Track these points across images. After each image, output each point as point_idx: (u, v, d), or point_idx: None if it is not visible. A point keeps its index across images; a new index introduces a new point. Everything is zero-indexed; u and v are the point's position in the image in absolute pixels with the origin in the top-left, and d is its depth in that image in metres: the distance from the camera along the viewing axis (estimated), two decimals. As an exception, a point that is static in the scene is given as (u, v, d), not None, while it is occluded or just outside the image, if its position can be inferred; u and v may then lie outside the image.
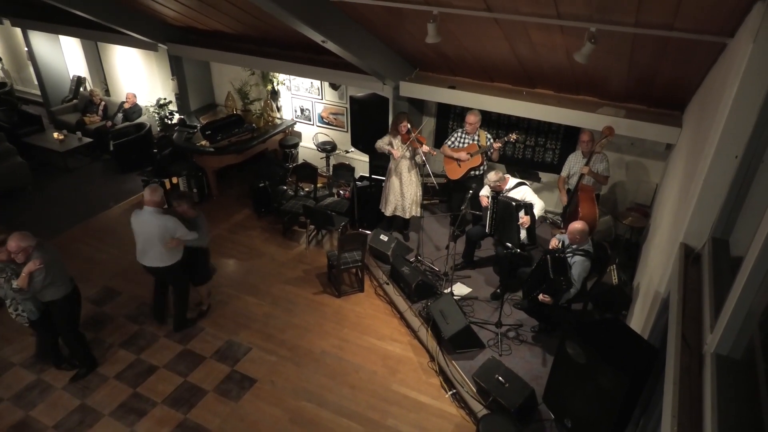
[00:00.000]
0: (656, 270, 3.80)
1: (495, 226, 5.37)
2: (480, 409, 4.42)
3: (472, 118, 5.90)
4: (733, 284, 1.92)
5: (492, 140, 5.89)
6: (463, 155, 5.99)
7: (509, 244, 5.12)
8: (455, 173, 6.16)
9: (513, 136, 5.87)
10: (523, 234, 5.19)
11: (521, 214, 5.13)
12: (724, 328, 1.90)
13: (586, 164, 5.38)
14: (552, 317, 4.95)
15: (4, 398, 4.66)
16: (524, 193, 5.33)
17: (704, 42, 3.62)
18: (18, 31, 10.24)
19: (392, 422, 4.50)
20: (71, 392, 4.73)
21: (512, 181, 5.45)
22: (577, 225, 4.56)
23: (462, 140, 6.06)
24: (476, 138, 5.99)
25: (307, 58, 7.18)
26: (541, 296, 4.52)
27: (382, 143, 6.10)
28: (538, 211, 5.28)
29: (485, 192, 5.68)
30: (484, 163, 6.07)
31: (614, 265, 4.96)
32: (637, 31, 3.80)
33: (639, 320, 3.99)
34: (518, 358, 4.88)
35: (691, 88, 4.80)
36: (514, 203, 5.13)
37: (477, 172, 6.08)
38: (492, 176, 5.31)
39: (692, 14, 3.37)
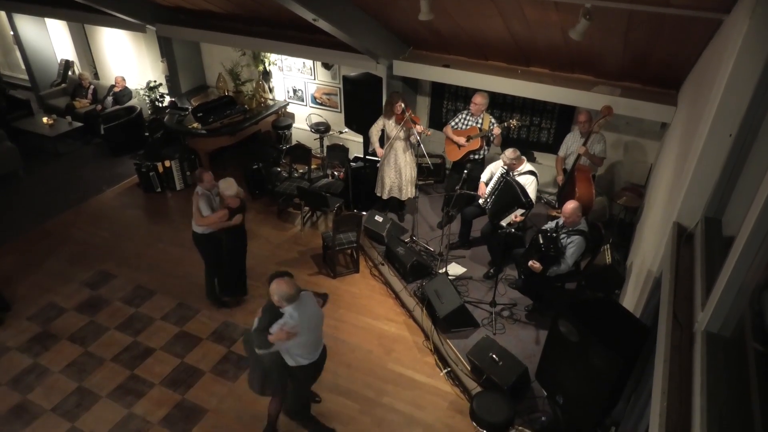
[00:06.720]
0: (649, 249, 3.82)
1: (492, 201, 5.36)
2: (474, 387, 4.48)
3: (478, 99, 5.79)
4: (724, 263, 1.93)
5: (494, 125, 5.82)
6: (461, 140, 5.92)
7: (504, 224, 5.13)
8: (454, 155, 6.10)
9: (513, 123, 5.81)
10: (505, 222, 5.17)
11: (518, 211, 5.10)
12: (715, 306, 1.91)
13: (584, 144, 5.36)
14: (545, 296, 5.00)
15: (1, 382, 4.68)
16: (529, 183, 5.28)
17: (700, 18, 3.58)
18: (3, 14, 10.00)
19: (387, 400, 4.56)
20: (68, 375, 4.76)
21: (526, 165, 5.42)
22: (570, 205, 4.57)
23: (465, 121, 5.98)
24: (480, 121, 5.90)
25: (298, 38, 7.07)
26: (530, 262, 4.56)
27: (374, 133, 6.03)
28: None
29: (485, 178, 5.65)
30: (484, 147, 6.01)
31: (608, 245, 4.99)
32: (633, 8, 3.75)
33: (632, 299, 4.02)
34: (512, 336, 4.93)
35: (686, 66, 4.76)
36: (519, 188, 5.04)
37: (476, 156, 6.03)
38: (509, 153, 5.27)
39: (688, -10, 3.33)
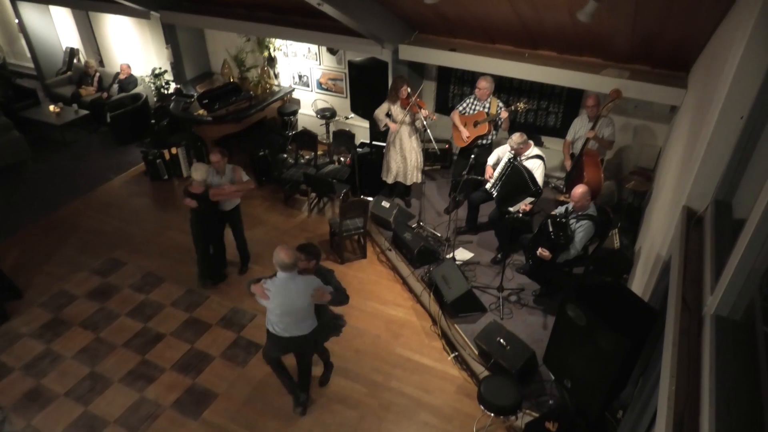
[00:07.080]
0: (658, 233, 3.80)
1: (499, 186, 5.33)
2: (481, 371, 4.51)
3: (483, 83, 5.71)
4: (734, 246, 1.91)
5: (502, 109, 5.76)
6: (465, 133, 5.87)
7: (511, 209, 5.11)
8: (462, 141, 6.07)
9: (521, 105, 5.73)
10: (514, 208, 5.16)
11: (527, 199, 5.07)
12: (724, 289, 1.90)
13: (592, 128, 5.30)
14: (553, 281, 4.99)
15: (15, 368, 4.77)
16: (536, 167, 5.23)
17: (712, -2, 3.51)
18: (7, 2, 9.97)
19: (395, 384, 4.61)
20: (80, 360, 4.84)
21: (533, 150, 5.37)
22: (578, 189, 4.54)
23: (473, 106, 5.91)
24: (487, 105, 5.82)
25: (303, 23, 7.01)
26: (540, 250, 4.55)
27: (381, 114, 5.98)
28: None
29: (492, 161, 5.61)
30: (492, 132, 5.96)
31: (616, 230, 4.97)
32: (643, -12, 3.68)
33: (640, 283, 4.02)
34: (519, 321, 4.94)
35: (696, 48, 4.68)
36: (527, 174, 4.98)
37: (484, 141, 5.97)
38: (516, 137, 5.24)
39: (700, -31, 3.26)
